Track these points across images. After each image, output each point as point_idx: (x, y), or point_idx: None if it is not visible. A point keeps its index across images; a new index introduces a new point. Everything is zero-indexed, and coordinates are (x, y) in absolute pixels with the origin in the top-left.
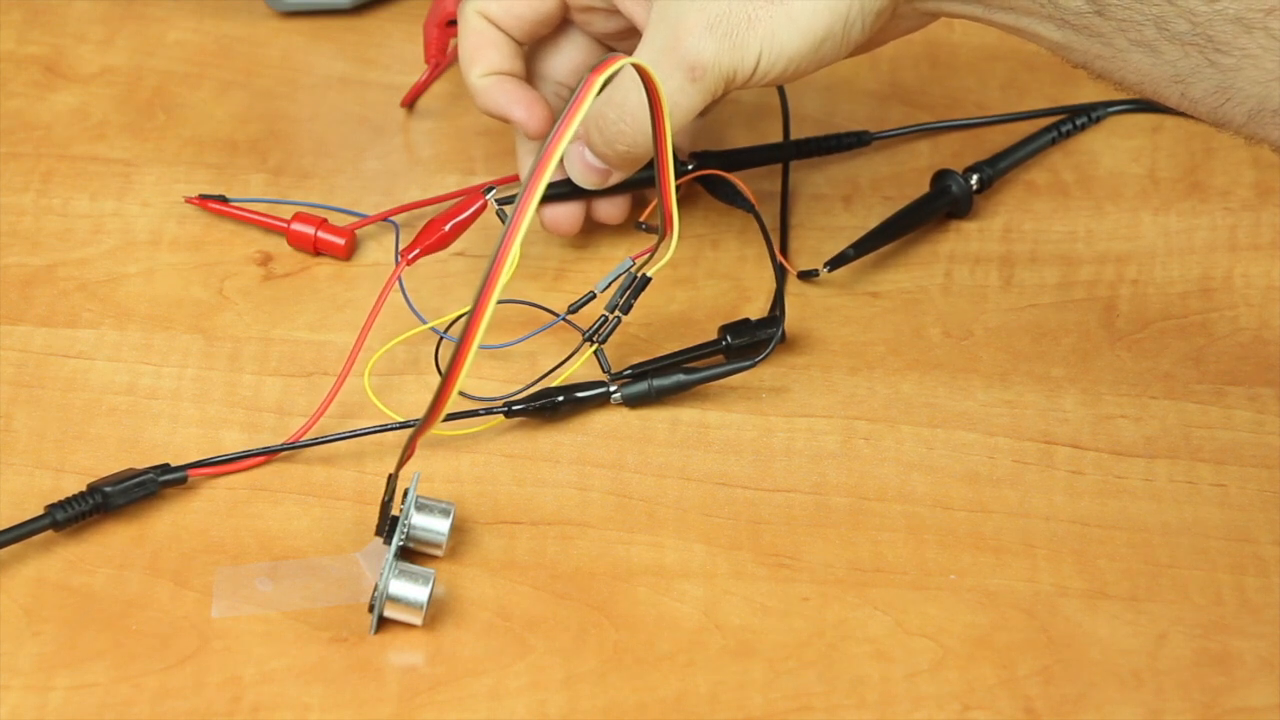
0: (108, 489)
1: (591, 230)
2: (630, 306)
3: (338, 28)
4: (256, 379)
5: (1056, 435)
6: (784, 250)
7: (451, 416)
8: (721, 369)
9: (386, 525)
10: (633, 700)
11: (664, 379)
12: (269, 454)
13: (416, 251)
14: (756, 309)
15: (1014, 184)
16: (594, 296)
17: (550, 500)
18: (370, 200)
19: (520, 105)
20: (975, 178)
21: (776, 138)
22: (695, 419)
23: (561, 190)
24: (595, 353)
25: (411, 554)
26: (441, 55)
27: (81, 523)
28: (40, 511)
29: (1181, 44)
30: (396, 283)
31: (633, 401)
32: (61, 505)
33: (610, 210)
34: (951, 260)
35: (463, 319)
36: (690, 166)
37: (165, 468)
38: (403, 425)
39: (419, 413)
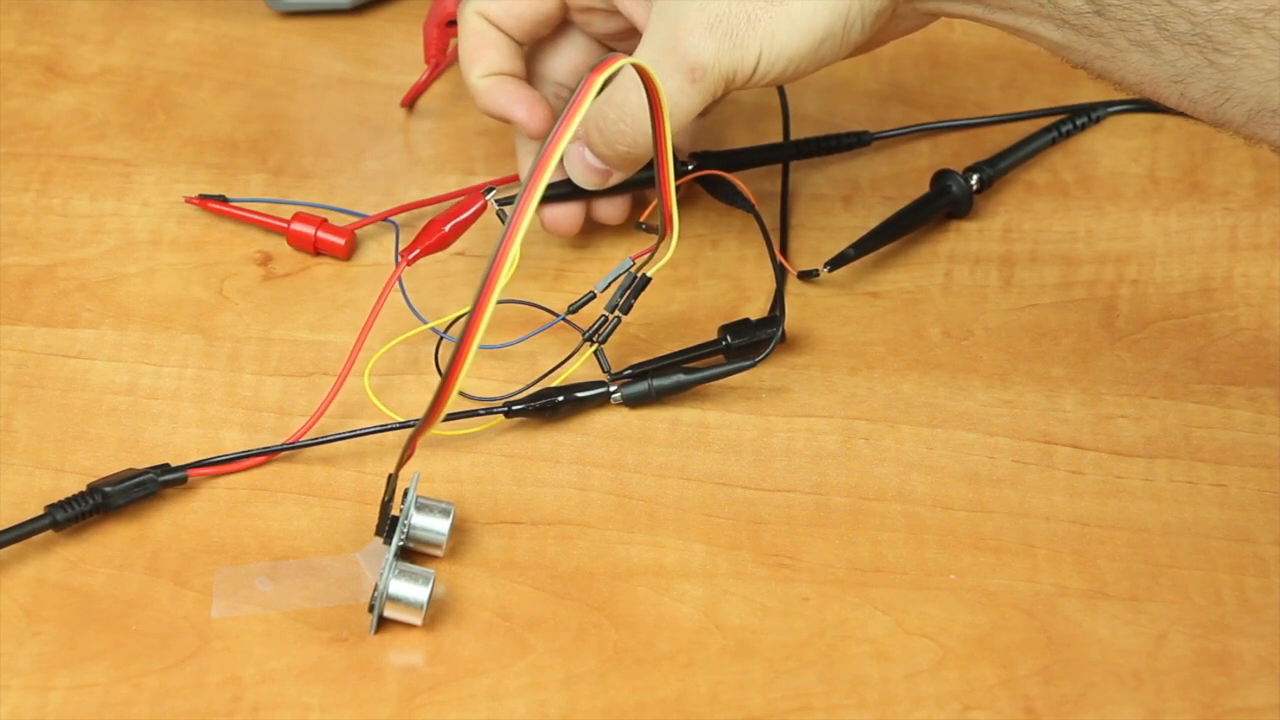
0: (108, 489)
1: (591, 230)
2: (630, 306)
3: (338, 28)
4: (256, 379)
5: (1056, 435)
6: (784, 250)
7: (451, 416)
8: (721, 369)
9: (386, 525)
10: (633, 700)
11: (664, 379)
12: (269, 454)
13: (416, 252)
14: (756, 309)
15: (1014, 184)
16: (594, 296)
17: (550, 500)
18: (370, 200)
19: (521, 105)
20: (975, 178)
21: (776, 138)
22: (695, 419)
23: (561, 190)
24: (595, 353)
25: (411, 554)
26: (441, 55)
27: (81, 523)
28: (40, 511)
29: (1181, 44)
30: (396, 283)
31: (633, 401)
32: (61, 505)
33: (610, 210)
34: (951, 260)
35: (463, 319)
36: (690, 167)
37: (165, 468)
38: (403, 425)
39: (419, 413)
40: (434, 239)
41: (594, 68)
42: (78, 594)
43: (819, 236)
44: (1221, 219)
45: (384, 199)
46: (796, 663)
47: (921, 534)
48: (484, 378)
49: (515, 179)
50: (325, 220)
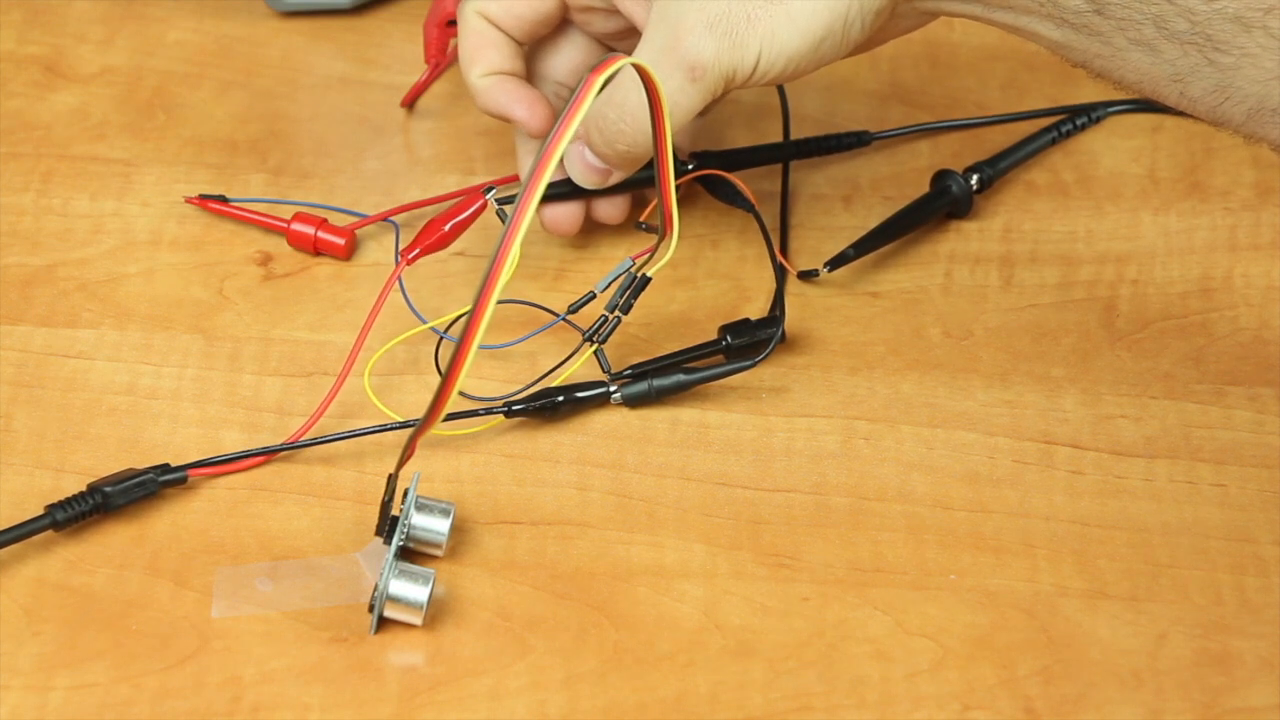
0: (108, 489)
1: (591, 230)
2: (630, 306)
3: (338, 28)
4: (256, 379)
5: (1056, 435)
6: (784, 250)
7: (451, 416)
8: (721, 369)
9: (386, 525)
10: (633, 700)
11: (664, 379)
12: (269, 454)
13: (416, 251)
14: (756, 309)
15: (1014, 184)
16: (594, 296)
17: (550, 500)
18: (370, 200)
19: (521, 104)
20: (975, 178)
21: (776, 138)
22: (695, 419)
23: (561, 190)
24: (595, 353)
25: (411, 554)
26: (441, 55)
27: (81, 523)
28: (40, 511)
29: (1180, 43)
30: (396, 283)
31: (633, 401)
32: (61, 505)
33: (610, 210)
34: (951, 260)
35: (463, 319)
36: (690, 166)
37: (165, 468)
38: (403, 425)
39: (419, 413)
40: (434, 239)
41: (594, 67)
42: (78, 594)
43: (819, 236)
44: (1221, 219)
45: (384, 199)
46: (796, 663)
47: (921, 534)
48: (484, 378)
49: (515, 179)
50: (325, 220)
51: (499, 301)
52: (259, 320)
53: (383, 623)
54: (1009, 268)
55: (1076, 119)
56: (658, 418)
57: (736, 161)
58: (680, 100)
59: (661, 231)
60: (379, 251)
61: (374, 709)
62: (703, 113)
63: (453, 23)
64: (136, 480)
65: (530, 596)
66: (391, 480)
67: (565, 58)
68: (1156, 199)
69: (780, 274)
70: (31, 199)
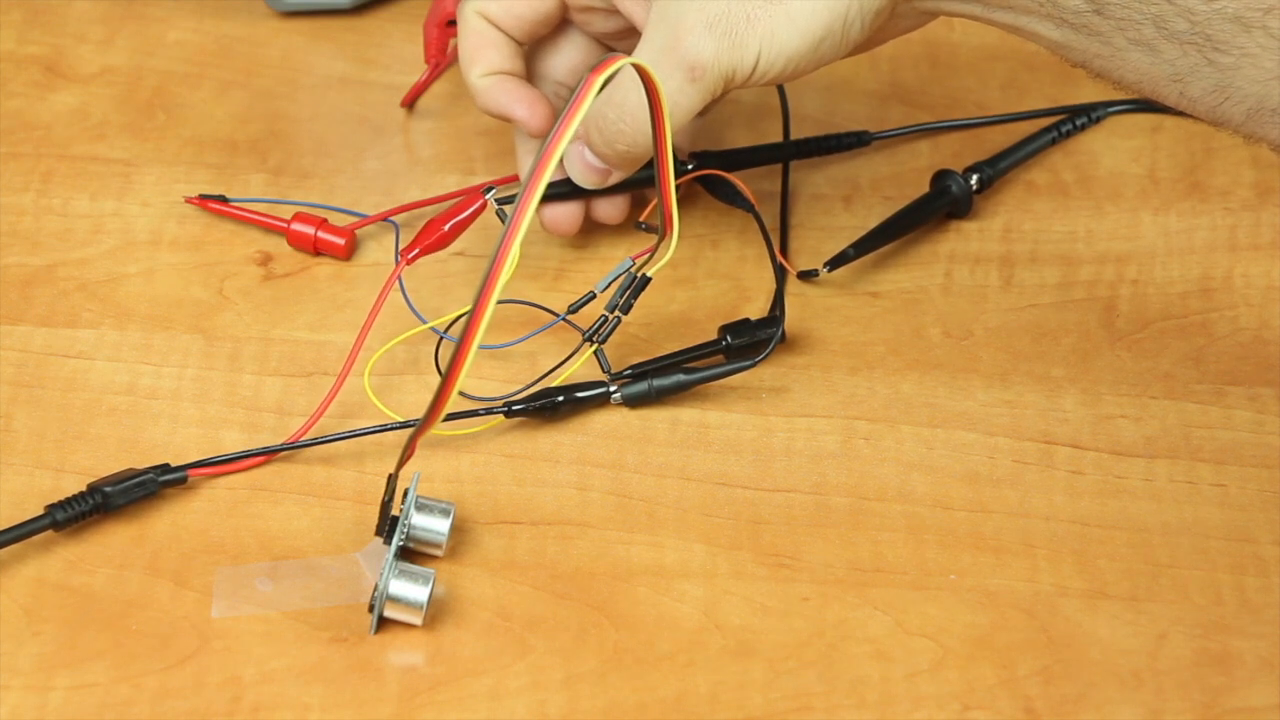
0: (108, 489)
1: (591, 230)
2: (630, 306)
3: (338, 28)
4: (256, 379)
5: (1056, 435)
6: (784, 250)
7: (451, 416)
8: (721, 369)
9: (386, 525)
10: (633, 700)
11: (664, 379)
12: (269, 454)
13: (416, 251)
14: (756, 309)
15: (1014, 184)
16: (594, 296)
17: (550, 500)
18: (370, 200)
19: (522, 104)
20: (975, 178)
21: (776, 138)
22: (695, 419)
23: (561, 190)
24: (595, 353)
25: (411, 554)
26: (441, 55)
27: (81, 523)
28: (40, 511)
29: (1180, 43)
30: (396, 283)
31: (633, 401)
32: (61, 505)
33: (610, 210)
34: (951, 260)
35: (463, 319)
36: (690, 166)
37: (165, 468)
38: (403, 425)
39: (419, 413)
40: (433, 239)
41: (594, 67)
42: (78, 594)
43: (819, 236)
44: (1221, 219)
45: (384, 199)
46: (796, 663)
47: (921, 534)
48: (484, 378)
49: (515, 179)
50: (325, 220)
51: (499, 301)
52: (259, 320)
53: (383, 623)
54: (1009, 268)
55: (1076, 119)
56: (658, 418)
57: (736, 161)
58: (680, 100)
59: (661, 231)
60: (379, 251)
61: (374, 709)
62: (702, 113)
63: (453, 23)
64: (136, 480)
65: (530, 596)
66: (391, 480)
67: (565, 58)
68: (1156, 199)
69: (780, 274)
70: (31, 199)
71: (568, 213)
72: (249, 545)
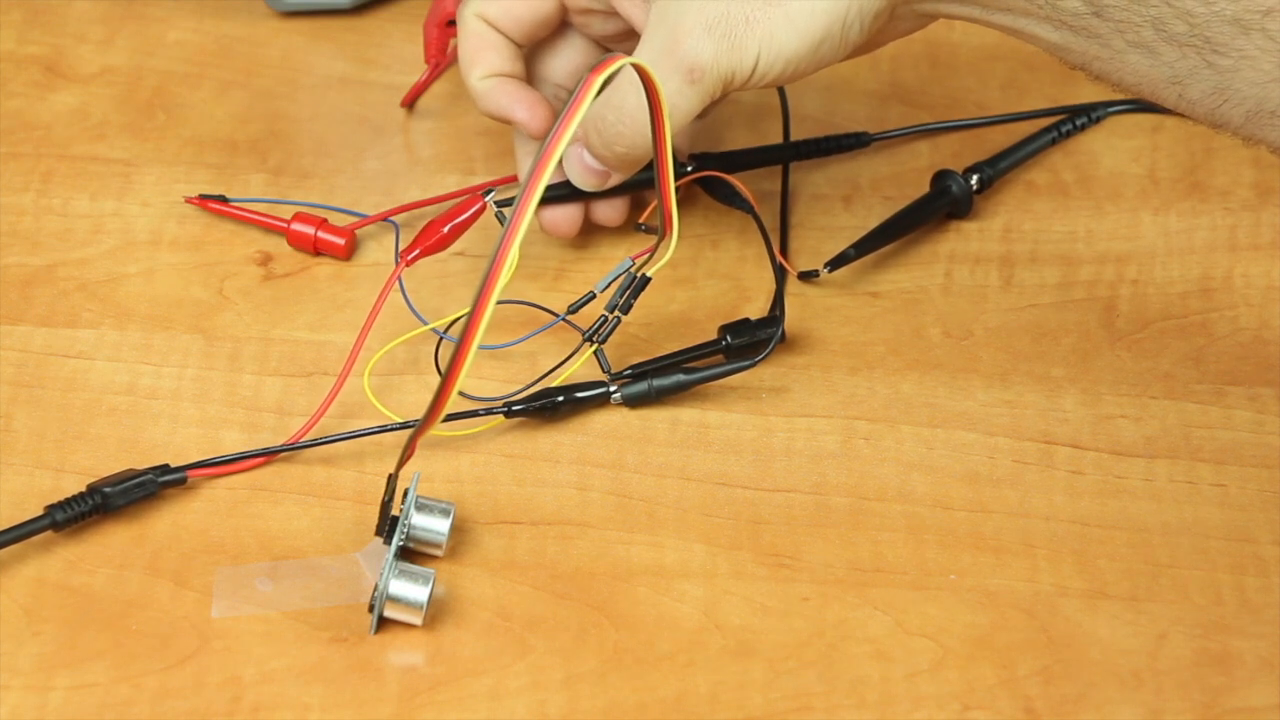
0: (108, 489)
1: (591, 230)
2: (630, 306)
3: (338, 28)
4: (256, 379)
5: (1056, 435)
6: (784, 250)
7: (451, 416)
8: (721, 369)
9: (386, 525)
10: (633, 700)
11: (664, 379)
12: (269, 454)
13: (416, 252)
14: (756, 309)
15: (1014, 184)
16: (594, 296)
17: (550, 500)
18: (370, 200)
19: (522, 105)
20: (975, 178)
21: (776, 138)
22: (695, 419)
23: (560, 192)
24: (595, 353)
25: (411, 554)
26: (441, 55)
27: (81, 523)
28: (40, 511)
29: (1179, 45)
30: (396, 283)
31: (633, 401)
32: (61, 505)
33: (609, 212)
34: (951, 260)
35: (463, 319)
36: (689, 168)
37: (165, 468)
38: (403, 425)
39: (419, 413)
40: (433, 240)
41: (593, 68)
42: (78, 594)
43: (819, 236)
44: (1221, 219)
45: (384, 199)
46: (796, 663)
47: (921, 534)
48: (484, 378)
49: (514, 179)
50: (325, 220)
51: (499, 302)
52: (259, 320)
53: (383, 623)
54: (1009, 268)
55: (1076, 119)
56: (658, 418)
57: (736, 163)
58: (679, 102)
59: (661, 232)
60: (379, 251)
61: (374, 709)
62: (701, 115)
63: (453, 23)
64: (136, 481)
65: (530, 596)
66: (391, 480)
67: (564, 60)
68: (1156, 199)
69: (780, 274)
70: (31, 199)
71: (567, 215)
72: (249, 545)
